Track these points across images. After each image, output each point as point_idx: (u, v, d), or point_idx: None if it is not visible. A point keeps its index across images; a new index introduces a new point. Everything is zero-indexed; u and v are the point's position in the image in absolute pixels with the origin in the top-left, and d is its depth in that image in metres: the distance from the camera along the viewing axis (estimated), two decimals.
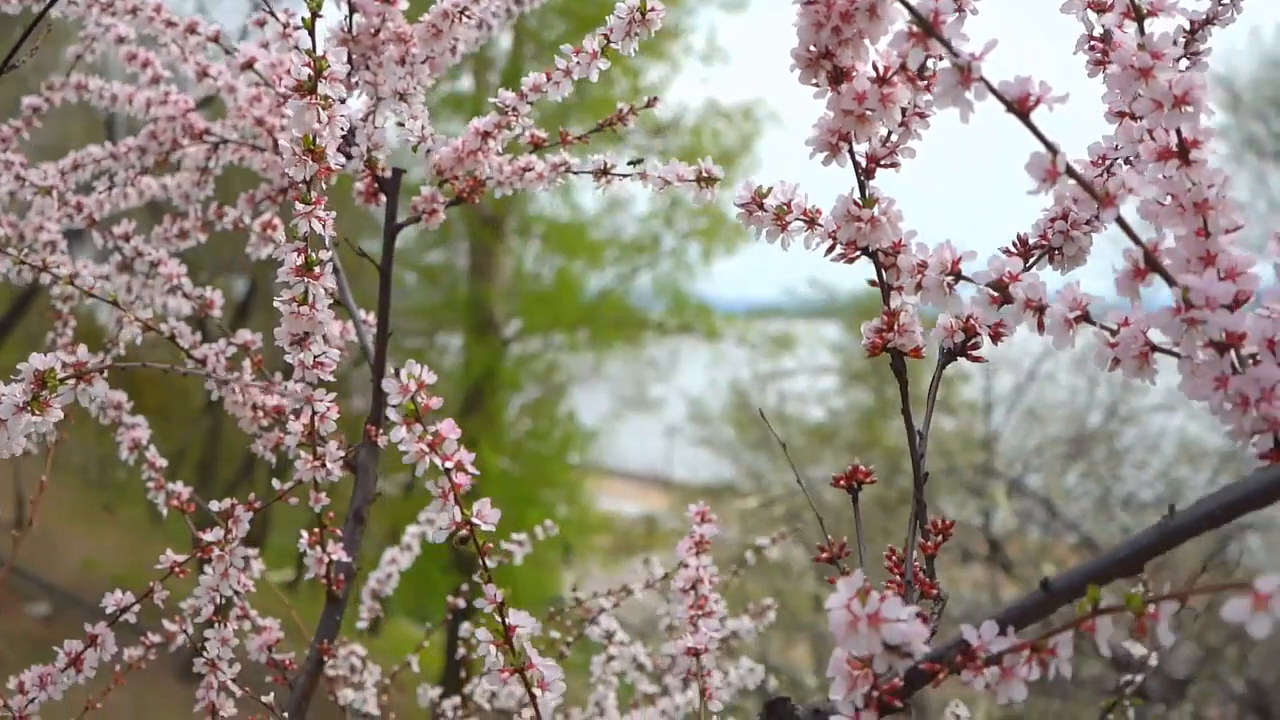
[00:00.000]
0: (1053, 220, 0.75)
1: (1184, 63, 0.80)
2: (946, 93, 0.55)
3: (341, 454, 0.99)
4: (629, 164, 1.01)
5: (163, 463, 1.18)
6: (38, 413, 0.73)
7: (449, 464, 0.68)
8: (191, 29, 1.17)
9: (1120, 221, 0.56)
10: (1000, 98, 0.55)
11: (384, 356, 1.11)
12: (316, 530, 1.04)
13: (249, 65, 1.07)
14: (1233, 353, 0.57)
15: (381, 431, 1.04)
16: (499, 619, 0.71)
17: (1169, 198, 0.60)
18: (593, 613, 1.43)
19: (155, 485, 1.17)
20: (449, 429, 0.69)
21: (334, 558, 1.05)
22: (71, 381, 0.73)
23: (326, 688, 1.43)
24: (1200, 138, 0.59)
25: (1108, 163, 0.76)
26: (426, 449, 0.68)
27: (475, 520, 0.69)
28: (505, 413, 11.50)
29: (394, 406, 0.67)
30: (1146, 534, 0.55)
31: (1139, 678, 1.21)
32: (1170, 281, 0.56)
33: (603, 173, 1.02)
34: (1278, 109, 9.63)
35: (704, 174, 0.92)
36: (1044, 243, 0.75)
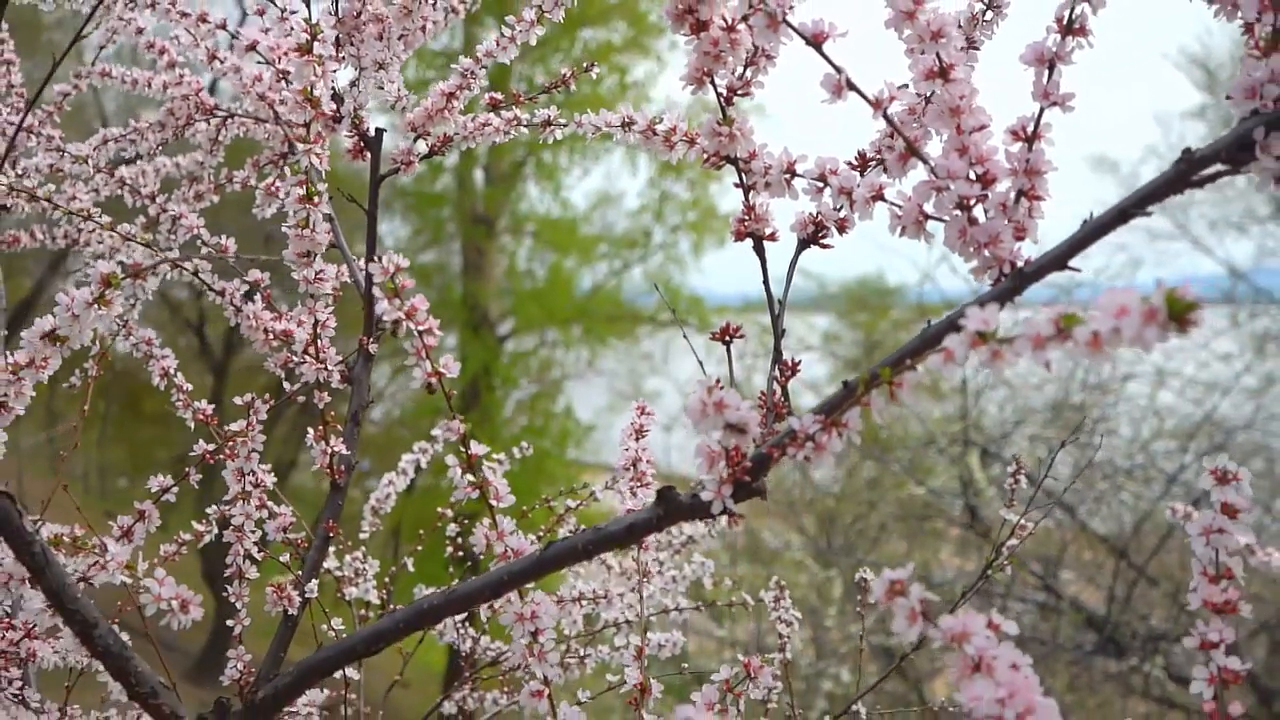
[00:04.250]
0: (883, 138, 0.97)
1: (989, 14, 1.02)
2: (761, 33, 0.77)
3: (340, 359, 1.21)
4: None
5: (188, 386, 1.39)
6: (103, 307, 0.95)
7: (422, 328, 0.90)
8: (203, 18, 1.39)
9: (888, 119, 0.78)
10: (801, 35, 0.77)
11: (373, 286, 1.33)
12: (321, 427, 1.26)
13: (252, 47, 1.29)
14: (979, 212, 0.80)
15: (373, 341, 1.26)
16: (463, 449, 0.93)
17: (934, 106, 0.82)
18: (560, 514, 1.66)
19: (183, 405, 1.38)
20: (421, 302, 0.91)
21: (336, 451, 1.27)
22: (129, 280, 0.95)
23: (336, 588, 1.65)
24: (955, 61, 0.81)
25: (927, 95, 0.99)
26: (404, 316, 0.90)
27: (442, 369, 0.91)
28: (502, 410, 11.71)
29: (377, 283, 0.89)
30: (911, 341, 0.77)
31: (1007, 552, 1.43)
32: (924, 161, 0.78)
33: (546, 124, 1.24)
34: None
35: (626, 119, 1.14)
36: (877, 156, 0.97)
